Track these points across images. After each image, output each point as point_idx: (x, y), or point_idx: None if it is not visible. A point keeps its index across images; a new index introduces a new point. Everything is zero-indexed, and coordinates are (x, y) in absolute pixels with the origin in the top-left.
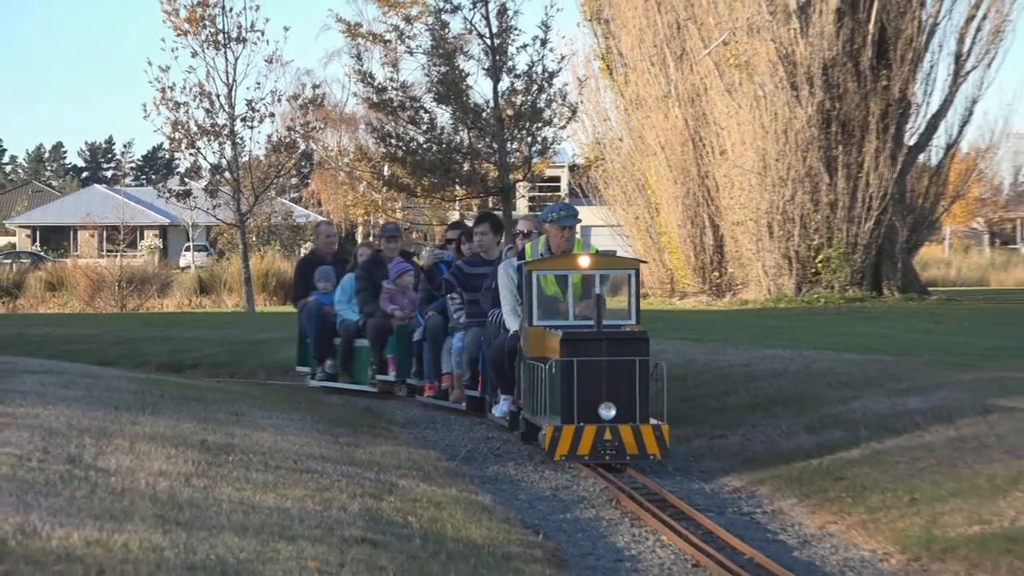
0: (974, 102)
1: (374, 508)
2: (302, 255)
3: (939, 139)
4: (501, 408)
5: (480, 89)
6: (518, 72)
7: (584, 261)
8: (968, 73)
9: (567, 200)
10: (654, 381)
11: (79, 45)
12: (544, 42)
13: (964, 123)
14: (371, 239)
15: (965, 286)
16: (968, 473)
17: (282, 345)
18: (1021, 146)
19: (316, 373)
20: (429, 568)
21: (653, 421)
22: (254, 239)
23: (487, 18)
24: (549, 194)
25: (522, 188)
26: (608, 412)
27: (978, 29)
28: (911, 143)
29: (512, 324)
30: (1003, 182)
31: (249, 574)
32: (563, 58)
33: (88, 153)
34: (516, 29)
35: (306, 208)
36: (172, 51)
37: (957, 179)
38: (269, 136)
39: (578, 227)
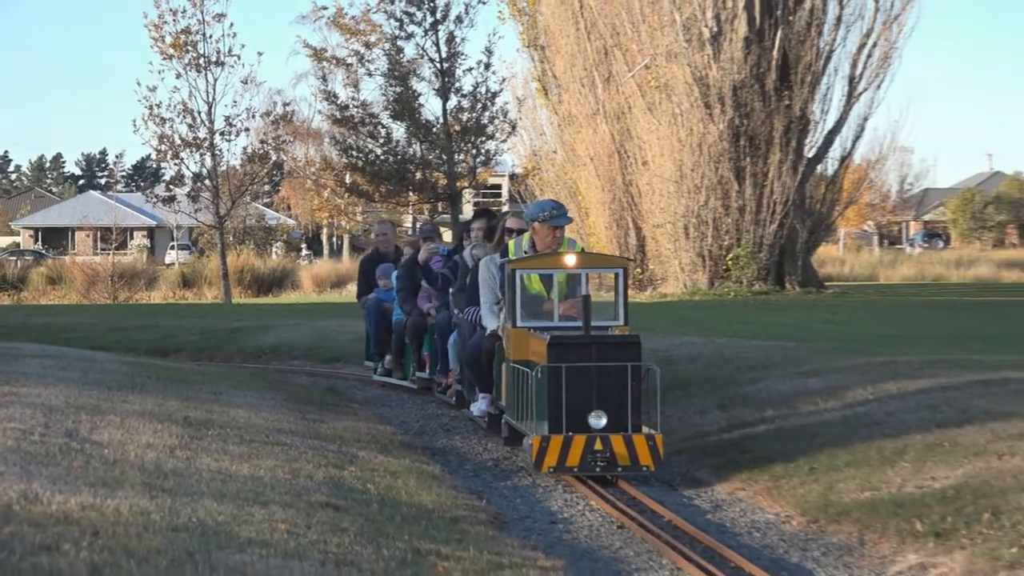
0: (865, 119)
1: (337, 476)
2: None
3: (835, 152)
4: (479, 407)
5: (431, 107)
6: (464, 92)
7: (570, 259)
8: (860, 94)
9: (507, 205)
10: (646, 387)
11: (76, 66)
12: (487, 66)
13: (857, 138)
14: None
15: (857, 281)
16: (860, 446)
17: (256, 332)
18: (906, 158)
19: (377, 368)
20: (386, 530)
21: (646, 430)
22: (231, 239)
23: (437, 45)
24: (492, 200)
25: (468, 195)
26: (599, 421)
27: (869, 55)
28: (810, 155)
29: (490, 323)
30: (890, 190)
31: (227, 535)
32: (504, 80)
33: (84, 163)
34: (463, 54)
35: (277, 212)
36: (159, 73)
37: (850, 187)
38: (244, 148)
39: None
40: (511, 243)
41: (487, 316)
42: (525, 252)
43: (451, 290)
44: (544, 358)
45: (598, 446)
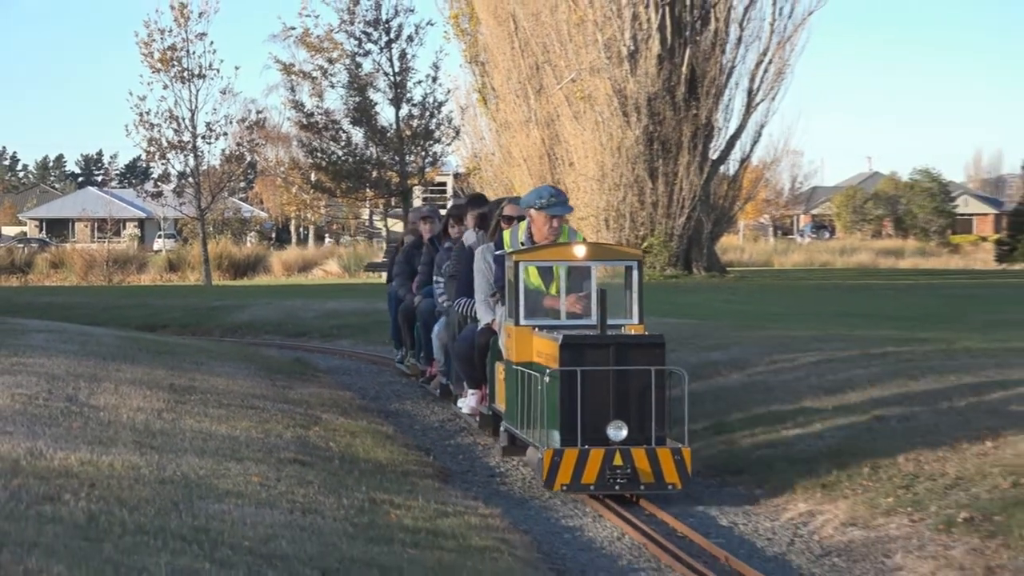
0: (762, 126)
1: (303, 436)
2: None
3: (735, 155)
4: (468, 403)
5: (385, 114)
6: (415, 102)
7: (579, 251)
8: (758, 104)
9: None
10: (670, 394)
11: (76, 78)
12: (435, 79)
13: (754, 142)
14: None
15: (755, 267)
16: (758, 409)
17: (233, 310)
18: (797, 160)
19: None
20: (346, 482)
21: (671, 443)
22: (211, 229)
23: (391, 60)
24: (439, 195)
25: (417, 191)
26: (618, 432)
27: (765, 71)
28: (714, 158)
29: (485, 316)
30: (783, 187)
31: (207, 487)
32: (449, 91)
33: (83, 162)
34: (413, 69)
35: (251, 206)
36: (148, 84)
37: (749, 185)
38: (223, 150)
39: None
40: (506, 233)
41: (482, 309)
42: (522, 243)
43: (436, 278)
44: (556, 361)
45: (618, 461)
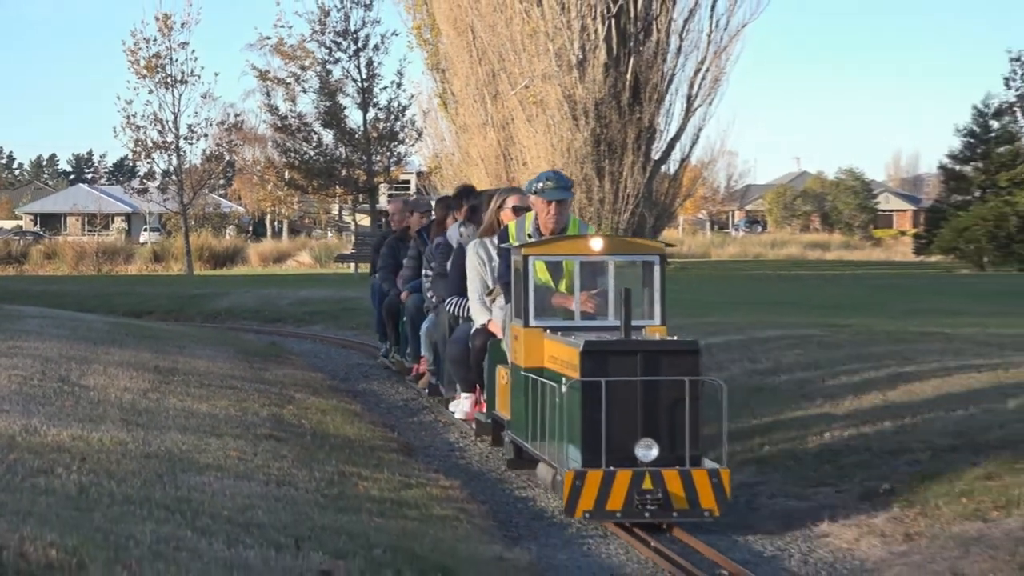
0: (700, 129)
1: (278, 414)
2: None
3: (676, 155)
4: (462, 407)
5: (354, 117)
6: (381, 106)
7: (597, 244)
8: (696, 109)
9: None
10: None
11: (68, 83)
12: (399, 85)
13: (693, 144)
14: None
15: (693, 258)
16: None
17: (213, 298)
18: (732, 160)
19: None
20: (317, 456)
21: (708, 463)
22: (193, 223)
23: (359, 68)
24: (404, 192)
25: (383, 188)
26: (648, 452)
27: (703, 78)
28: (656, 158)
29: (480, 317)
30: (720, 185)
31: (189, 461)
32: (412, 96)
33: (74, 161)
34: (379, 76)
35: (230, 201)
36: (135, 89)
37: (688, 183)
38: (204, 150)
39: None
40: (512, 224)
41: (476, 309)
42: (529, 236)
43: (426, 271)
44: (576, 370)
45: (647, 484)
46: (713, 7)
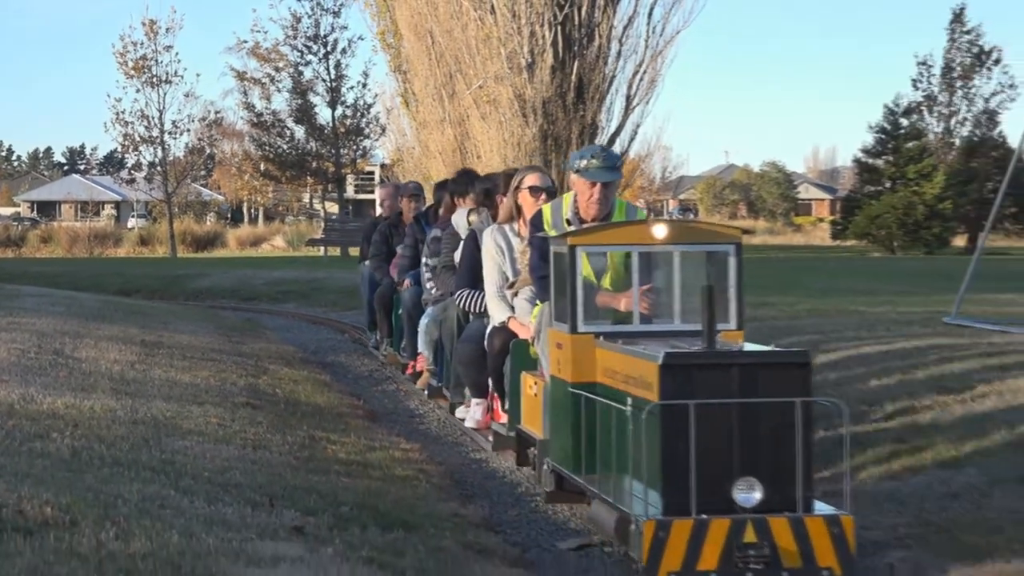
0: (638, 126)
1: (254, 383)
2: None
3: (616, 149)
4: (473, 415)
5: (323, 114)
6: (348, 104)
7: (660, 231)
8: (634, 107)
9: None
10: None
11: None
12: (365, 85)
13: (631, 139)
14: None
15: None
16: None
17: (195, 278)
18: (667, 153)
19: (371, 340)
20: (290, 422)
21: (824, 508)
22: (176, 210)
23: (328, 69)
24: (368, 182)
25: (351, 178)
26: (749, 495)
27: (641, 80)
28: None
29: (498, 314)
30: (655, 176)
31: (173, 426)
32: (377, 95)
33: (68, 153)
34: (347, 76)
35: (210, 190)
36: (123, 88)
37: (627, 175)
38: (186, 144)
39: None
40: (546, 208)
41: (494, 305)
42: (567, 221)
43: (426, 261)
44: (652, 389)
45: (750, 537)
46: (650, 15)
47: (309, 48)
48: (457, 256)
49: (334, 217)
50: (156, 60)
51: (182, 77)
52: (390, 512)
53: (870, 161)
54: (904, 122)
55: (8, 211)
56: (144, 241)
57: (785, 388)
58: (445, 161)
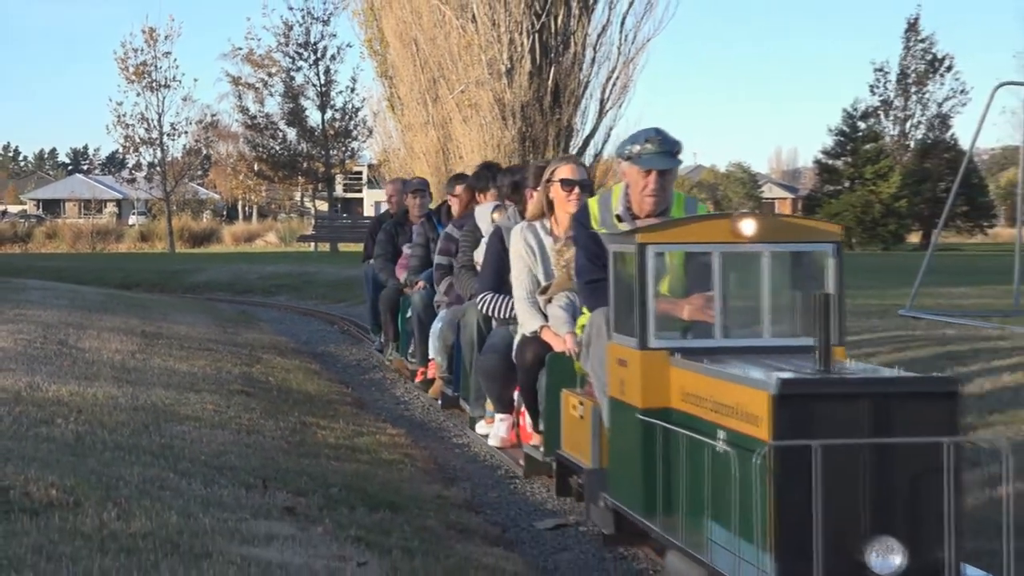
0: (611, 129)
1: (248, 372)
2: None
3: (590, 151)
4: (497, 432)
5: (314, 117)
6: (337, 107)
7: (748, 226)
8: (607, 111)
9: (366, 187)
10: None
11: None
12: (353, 89)
13: (605, 141)
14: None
15: None
16: None
17: (192, 273)
18: None
19: (376, 343)
20: (282, 408)
21: (975, 573)
22: (174, 208)
23: (318, 75)
24: (356, 181)
25: (339, 178)
26: (887, 560)
27: (614, 85)
28: (574, 153)
29: (530, 322)
30: None
31: (171, 412)
32: (364, 99)
33: (72, 154)
34: (336, 81)
35: (206, 189)
36: (124, 92)
37: (600, 175)
38: (184, 145)
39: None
40: (593, 201)
41: (525, 311)
42: (618, 218)
43: (439, 261)
44: (763, 424)
45: None
46: (622, 24)
47: (300, 55)
48: (478, 256)
49: (324, 215)
50: (155, 66)
51: (180, 82)
52: (377, 494)
53: (830, 162)
54: (862, 125)
55: (15, 209)
56: (144, 237)
57: (930, 424)
58: (428, 162)
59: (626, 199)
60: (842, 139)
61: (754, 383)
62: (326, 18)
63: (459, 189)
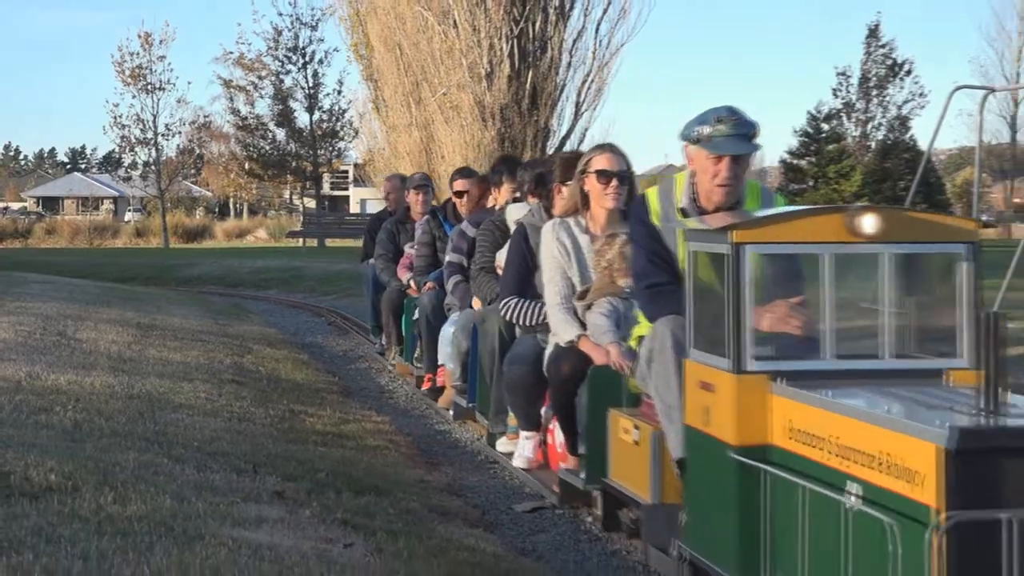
0: (586, 130)
1: (239, 362)
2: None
3: (566, 151)
4: (522, 452)
5: (302, 119)
6: (324, 109)
7: (870, 223)
8: (583, 113)
9: (352, 185)
10: None
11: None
12: (339, 92)
13: (580, 142)
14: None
15: None
16: None
17: (185, 267)
18: None
19: (376, 345)
20: (271, 397)
21: None
22: (168, 205)
23: (307, 78)
24: (343, 180)
25: (327, 177)
26: None
27: (589, 88)
28: (550, 153)
29: (566, 331)
30: None
31: (165, 401)
32: (350, 101)
33: (70, 153)
34: (323, 84)
35: (199, 187)
36: (120, 94)
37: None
38: (178, 145)
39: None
40: (651, 192)
41: (560, 319)
42: (681, 212)
43: (449, 260)
44: (928, 486)
45: None
46: (597, 30)
47: (289, 59)
48: (499, 258)
49: (312, 212)
50: (151, 69)
51: (174, 84)
52: (362, 478)
53: (795, 162)
54: (825, 127)
55: (16, 206)
56: (139, 233)
57: None
58: (412, 161)
59: (691, 189)
60: (806, 140)
61: (914, 430)
62: (314, 24)
63: (464, 183)
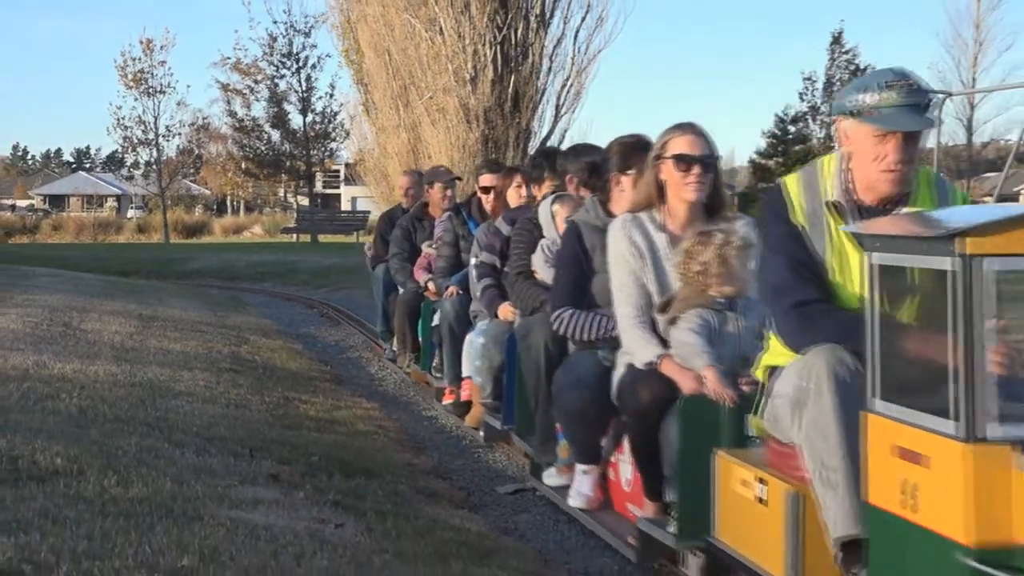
0: (565, 131)
1: (236, 352)
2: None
3: None
4: (579, 488)
5: (296, 121)
6: (317, 112)
7: None
8: (563, 115)
9: (343, 183)
10: None
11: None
12: (331, 95)
13: (560, 143)
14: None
15: None
16: None
17: (185, 261)
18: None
19: (387, 350)
20: (267, 385)
21: None
22: (169, 202)
23: (300, 82)
24: (334, 179)
25: (319, 176)
26: None
27: (568, 91)
28: (532, 154)
29: (644, 352)
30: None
31: (166, 388)
32: (342, 104)
33: (76, 153)
34: (316, 88)
35: (198, 185)
36: (123, 97)
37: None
38: (178, 146)
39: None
40: (791, 182)
41: (636, 337)
42: (832, 206)
43: (475, 262)
44: None
45: None
46: (576, 37)
47: (283, 64)
48: (535, 260)
49: (305, 209)
50: (152, 73)
51: (174, 88)
52: (353, 462)
53: (763, 162)
54: (792, 129)
55: (24, 203)
56: (141, 229)
57: None
58: (400, 160)
59: (845, 177)
60: (774, 141)
61: None
62: (307, 31)
63: (492, 178)
